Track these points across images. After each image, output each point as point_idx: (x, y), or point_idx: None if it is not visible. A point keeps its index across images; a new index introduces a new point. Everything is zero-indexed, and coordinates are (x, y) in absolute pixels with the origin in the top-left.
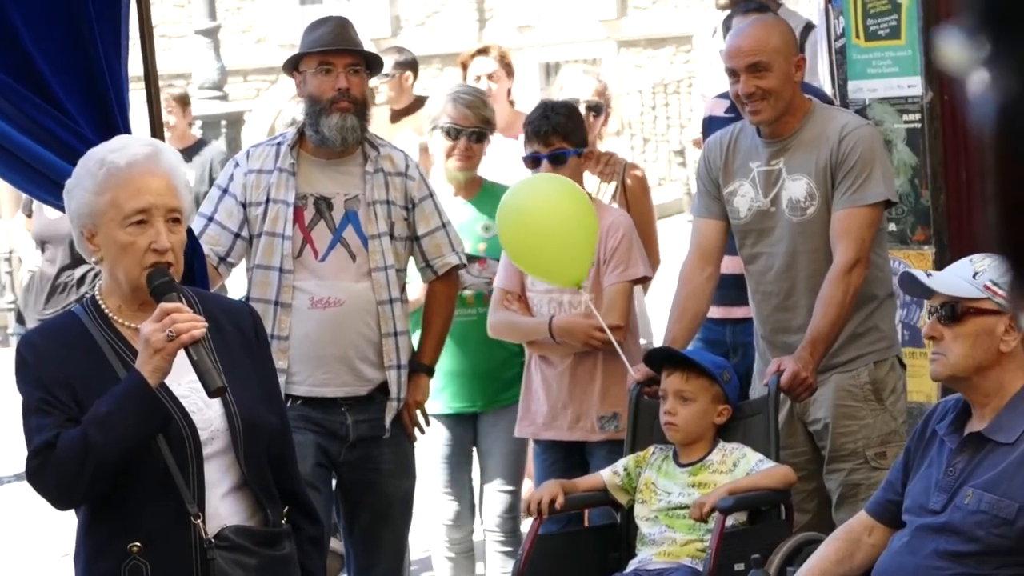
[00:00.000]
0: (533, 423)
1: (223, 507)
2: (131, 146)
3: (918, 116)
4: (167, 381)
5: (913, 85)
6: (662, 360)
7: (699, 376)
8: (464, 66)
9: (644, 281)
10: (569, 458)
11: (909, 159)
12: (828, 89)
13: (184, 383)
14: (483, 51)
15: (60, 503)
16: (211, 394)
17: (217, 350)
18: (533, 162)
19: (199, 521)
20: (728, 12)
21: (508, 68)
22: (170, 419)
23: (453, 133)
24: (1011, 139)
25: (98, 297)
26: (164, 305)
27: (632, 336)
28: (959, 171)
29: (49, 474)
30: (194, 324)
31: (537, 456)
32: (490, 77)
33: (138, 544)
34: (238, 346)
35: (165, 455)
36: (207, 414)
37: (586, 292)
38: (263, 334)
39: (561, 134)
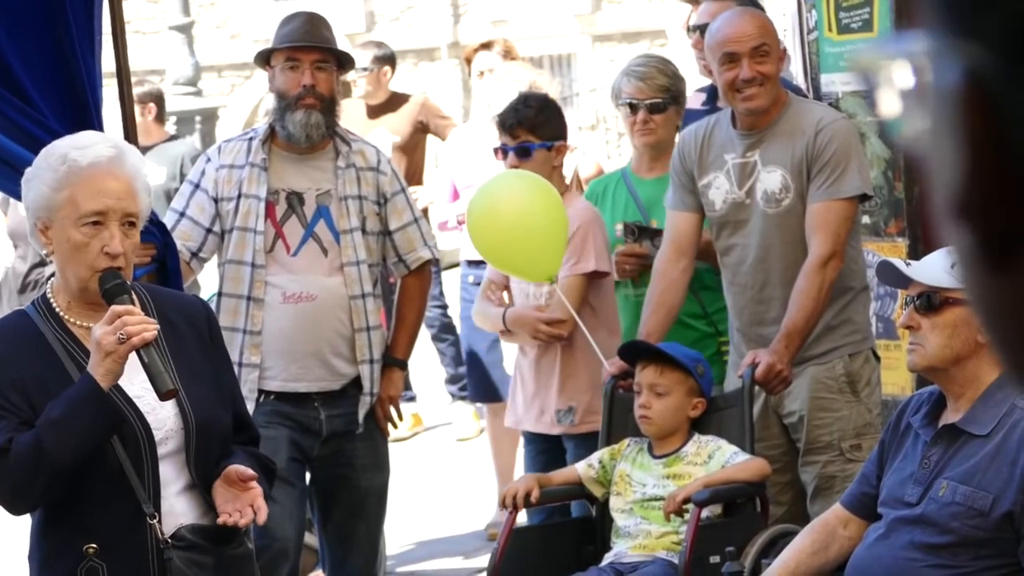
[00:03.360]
0: (515, 413)
1: (179, 506)
2: (96, 145)
3: None
4: (120, 382)
5: None
6: (636, 353)
7: (673, 369)
8: (468, 61)
9: (598, 276)
10: (550, 450)
11: (882, 152)
12: (801, 82)
13: (137, 383)
14: (486, 45)
15: (14, 508)
16: (162, 397)
17: (170, 349)
18: (502, 153)
19: (155, 521)
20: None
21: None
22: (123, 421)
23: (633, 108)
24: (987, 106)
25: (49, 295)
26: (115, 308)
27: (608, 329)
28: (920, 160)
29: (2, 480)
30: (145, 327)
31: (524, 446)
32: (493, 72)
33: (94, 546)
34: (192, 343)
35: (120, 456)
36: (161, 414)
37: (557, 287)
38: (216, 329)
39: (527, 127)
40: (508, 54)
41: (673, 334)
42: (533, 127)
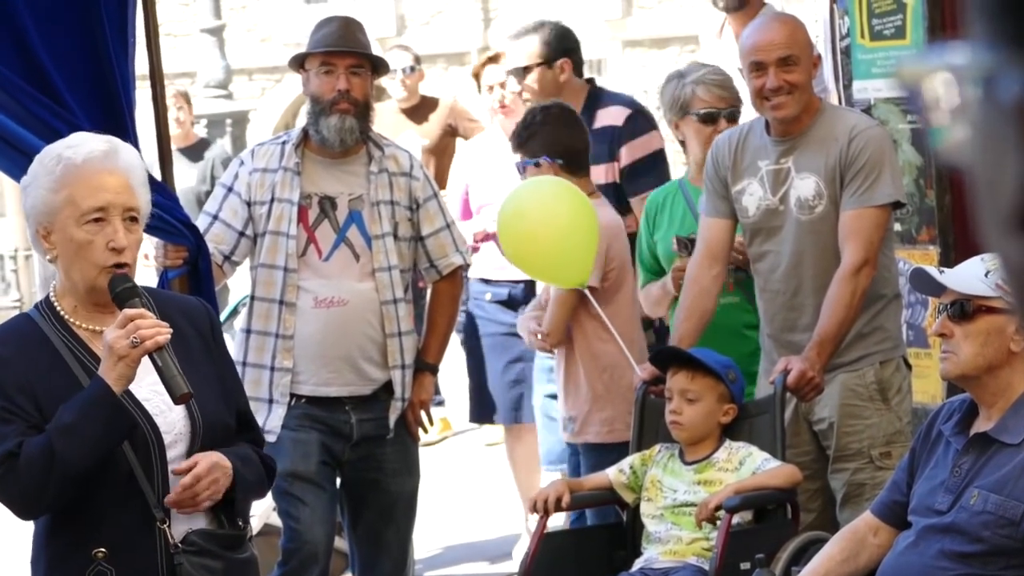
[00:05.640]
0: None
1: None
2: (88, 143)
3: None
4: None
5: None
6: (668, 359)
7: (705, 375)
8: (477, 76)
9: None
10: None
11: (914, 159)
12: (832, 89)
13: (145, 385)
14: (493, 59)
15: (25, 513)
16: (176, 401)
17: (176, 351)
18: (522, 169)
19: (165, 526)
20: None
21: None
22: (135, 426)
23: (710, 118)
24: None
25: (53, 298)
26: (127, 311)
27: (626, 339)
28: (964, 171)
29: (13, 485)
30: (158, 330)
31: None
32: (503, 86)
33: (103, 550)
34: (196, 345)
35: (130, 459)
36: (170, 417)
37: (588, 293)
38: (219, 329)
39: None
40: None
41: (729, 346)
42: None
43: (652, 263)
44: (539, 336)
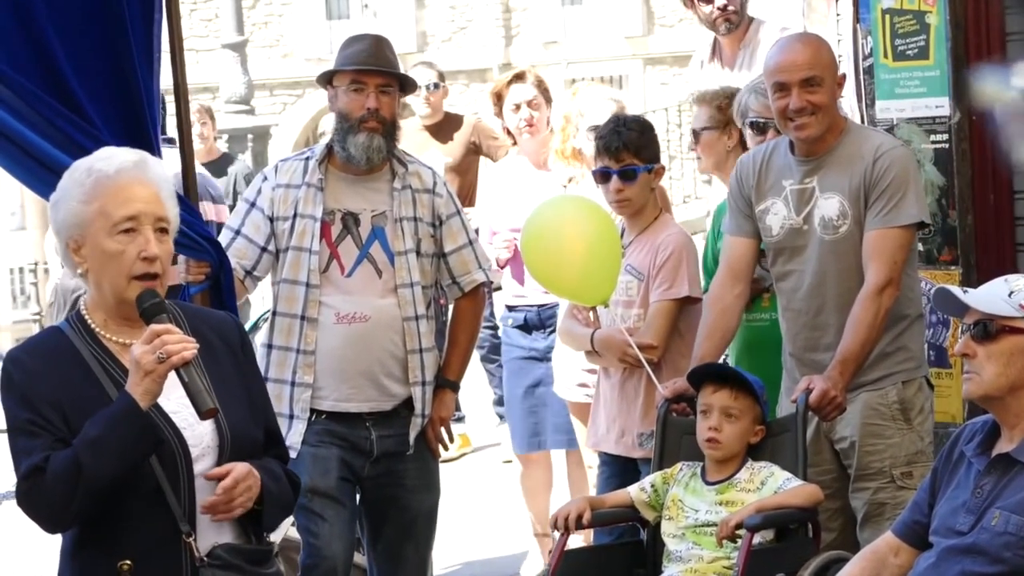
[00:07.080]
0: (595, 434)
1: (214, 524)
2: (118, 155)
3: (946, 136)
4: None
5: (941, 105)
6: (706, 376)
7: (747, 395)
8: (499, 96)
9: (689, 302)
10: (624, 472)
11: (936, 179)
12: (855, 108)
13: (173, 399)
14: (519, 77)
15: (51, 527)
16: (202, 416)
17: (206, 365)
18: (603, 177)
19: (191, 539)
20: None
21: (547, 95)
22: (162, 441)
23: (759, 128)
24: None
25: (84, 311)
26: (154, 327)
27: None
28: (986, 191)
29: (39, 498)
30: (184, 346)
31: (599, 467)
32: (530, 104)
33: (128, 562)
34: (226, 360)
35: (157, 472)
36: (198, 430)
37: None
38: (248, 344)
39: (632, 150)
40: (540, 85)
41: (771, 363)
42: (637, 149)
43: (715, 269)
44: (634, 347)
